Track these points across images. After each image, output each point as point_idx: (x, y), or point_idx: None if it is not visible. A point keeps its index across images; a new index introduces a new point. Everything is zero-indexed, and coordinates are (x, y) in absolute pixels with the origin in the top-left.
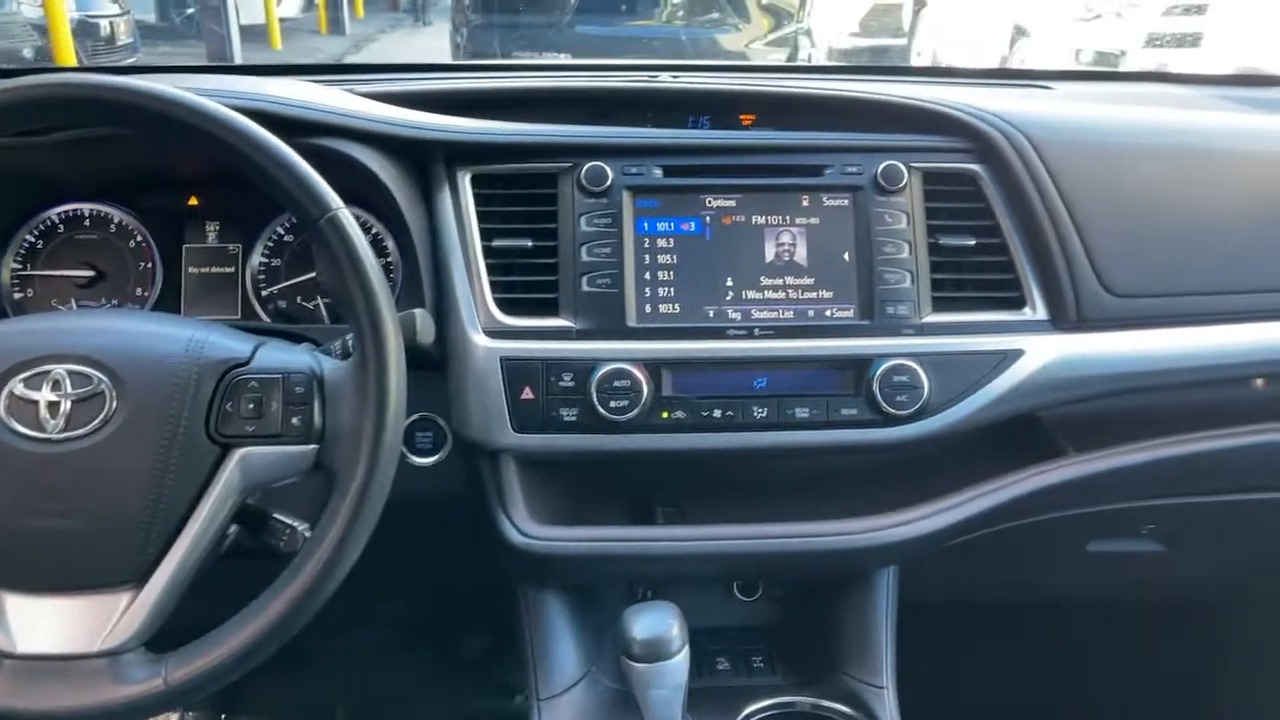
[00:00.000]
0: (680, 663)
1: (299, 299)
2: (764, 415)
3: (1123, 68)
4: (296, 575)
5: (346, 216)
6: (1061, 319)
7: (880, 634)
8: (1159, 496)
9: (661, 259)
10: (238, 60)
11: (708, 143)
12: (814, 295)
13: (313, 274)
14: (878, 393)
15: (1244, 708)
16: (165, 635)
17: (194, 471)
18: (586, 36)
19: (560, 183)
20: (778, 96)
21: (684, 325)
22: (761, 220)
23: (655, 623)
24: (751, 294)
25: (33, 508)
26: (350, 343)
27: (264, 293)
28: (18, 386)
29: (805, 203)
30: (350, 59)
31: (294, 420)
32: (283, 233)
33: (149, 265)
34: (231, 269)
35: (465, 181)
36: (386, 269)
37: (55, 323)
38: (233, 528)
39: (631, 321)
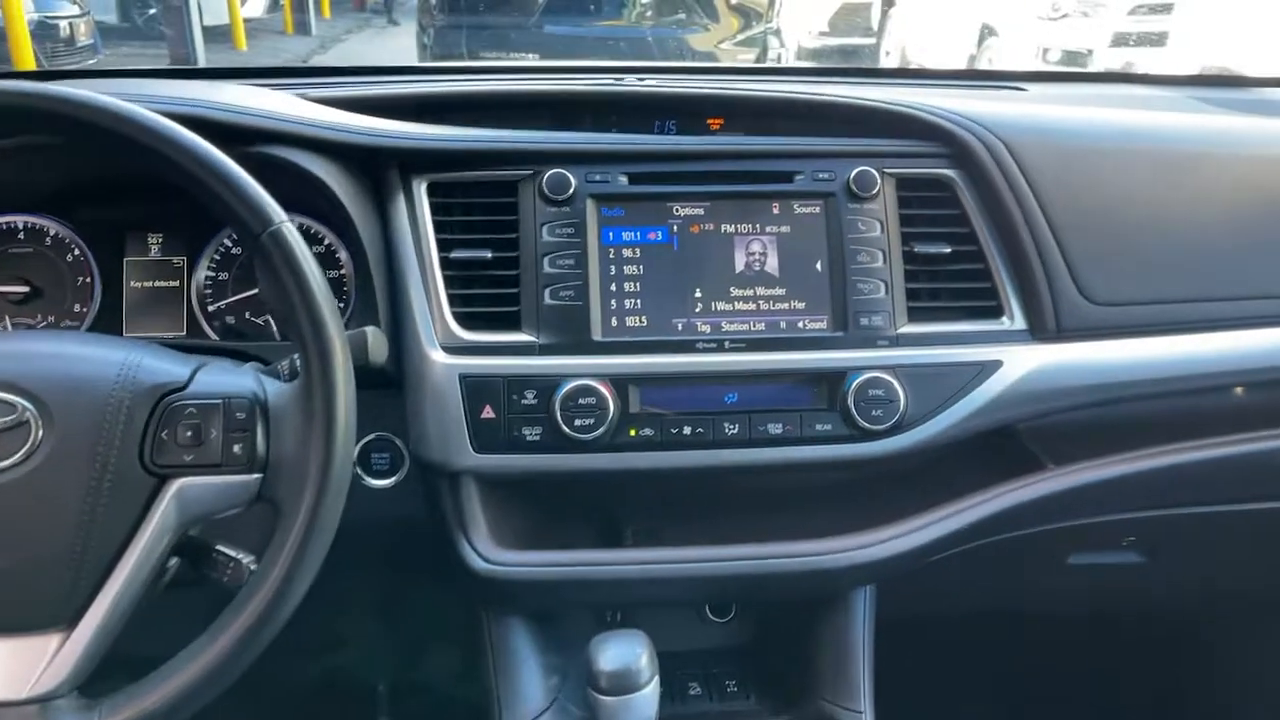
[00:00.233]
0: (650, 695)
1: (248, 314)
2: (735, 432)
3: (1090, 67)
4: (239, 613)
5: (290, 230)
6: (1040, 328)
7: (857, 655)
8: (1139, 509)
9: (627, 270)
10: (201, 62)
11: (674, 148)
12: (786, 306)
13: None
14: (852, 407)
15: (1225, 717)
16: (104, 674)
17: (127, 505)
18: (554, 37)
19: (521, 191)
20: (746, 100)
21: (651, 339)
22: (731, 229)
23: (623, 653)
24: (721, 305)
25: None
26: (299, 363)
27: (210, 308)
28: None
29: (776, 210)
30: (317, 60)
31: (235, 448)
32: (230, 245)
33: (87, 280)
34: (176, 283)
35: (421, 190)
36: (340, 282)
37: None
38: (173, 560)
39: (596, 335)
